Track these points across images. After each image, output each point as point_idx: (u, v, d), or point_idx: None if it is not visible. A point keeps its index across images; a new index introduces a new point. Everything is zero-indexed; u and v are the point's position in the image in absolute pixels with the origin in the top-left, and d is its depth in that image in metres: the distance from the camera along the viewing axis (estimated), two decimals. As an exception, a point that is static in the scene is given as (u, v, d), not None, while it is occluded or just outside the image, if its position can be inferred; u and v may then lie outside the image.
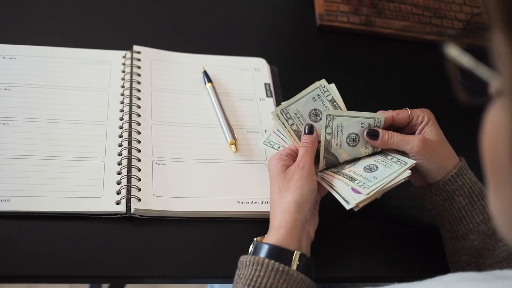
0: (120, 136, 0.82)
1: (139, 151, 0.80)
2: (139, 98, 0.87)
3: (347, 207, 0.70)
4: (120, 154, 0.80)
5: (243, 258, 0.67)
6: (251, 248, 0.68)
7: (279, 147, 0.80)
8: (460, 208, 0.74)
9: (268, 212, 0.72)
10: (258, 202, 0.79)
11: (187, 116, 0.88)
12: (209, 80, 0.92)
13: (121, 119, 0.84)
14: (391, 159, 0.74)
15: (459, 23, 1.19)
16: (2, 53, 0.89)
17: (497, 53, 0.37)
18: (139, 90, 0.88)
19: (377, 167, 0.73)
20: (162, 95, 0.90)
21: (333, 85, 0.79)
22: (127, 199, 0.75)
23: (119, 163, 0.79)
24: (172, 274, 0.72)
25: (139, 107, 0.86)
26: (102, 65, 0.91)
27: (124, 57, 0.93)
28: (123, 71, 0.91)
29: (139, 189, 0.76)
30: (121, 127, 0.83)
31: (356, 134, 0.75)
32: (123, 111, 0.85)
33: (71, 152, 0.79)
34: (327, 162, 0.75)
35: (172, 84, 0.92)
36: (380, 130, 0.75)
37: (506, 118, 0.37)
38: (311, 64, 1.06)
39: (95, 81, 0.89)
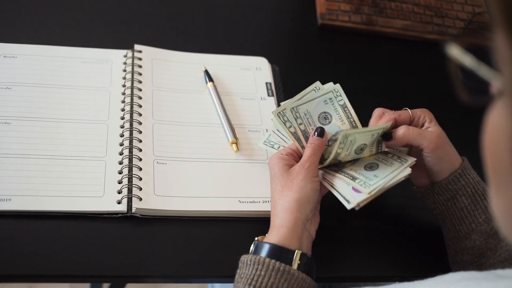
0: (121, 135, 0.82)
1: (140, 150, 0.80)
2: (140, 97, 0.87)
3: (348, 206, 0.70)
4: (121, 153, 0.80)
5: (244, 258, 0.67)
6: (252, 247, 0.68)
7: (279, 147, 0.80)
8: (462, 207, 0.74)
9: (269, 211, 0.72)
10: (259, 202, 0.79)
11: (188, 115, 0.88)
12: (210, 79, 0.92)
13: (122, 118, 0.84)
14: (392, 156, 0.74)
15: (460, 22, 1.19)
16: (3, 52, 0.89)
17: (498, 53, 0.37)
18: (140, 89, 0.88)
19: (377, 165, 0.73)
20: (163, 94, 0.90)
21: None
22: (128, 198, 0.75)
23: (120, 162, 0.79)
24: (173, 273, 0.72)
25: (140, 106, 0.86)
26: (103, 64, 0.91)
27: (125, 56, 0.93)
28: (124, 70, 0.91)
29: (140, 189, 0.76)
30: (122, 126, 0.83)
31: (365, 144, 0.74)
32: (124, 110, 0.85)
33: (72, 151, 0.79)
34: (329, 164, 0.75)
35: (173, 83, 0.92)
36: (393, 131, 0.74)
37: (507, 119, 0.37)
38: (312, 63, 1.06)
39: (96, 80, 0.89)
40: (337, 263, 0.78)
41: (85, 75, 0.89)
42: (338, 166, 0.76)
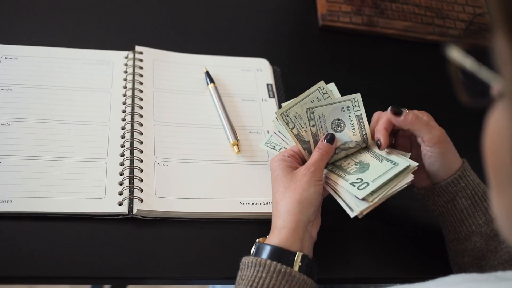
0: (122, 137, 0.82)
1: (141, 152, 0.80)
2: (141, 99, 0.87)
3: (352, 215, 0.70)
4: (122, 155, 0.80)
5: (245, 259, 0.67)
6: (253, 249, 0.68)
7: (280, 149, 0.79)
8: (462, 209, 0.73)
9: (270, 213, 0.72)
10: (260, 203, 0.79)
11: (189, 117, 0.88)
12: (211, 81, 0.92)
13: (123, 119, 0.84)
14: (394, 160, 0.73)
15: (461, 23, 1.19)
16: (4, 53, 0.89)
17: (499, 55, 0.37)
18: (141, 91, 0.88)
19: (379, 169, 0.72)
20: (164, 96, 0.90)
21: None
22: (129, 200, 0.75)
23: (121, 164, 0.79)
24: (174, 275, 0.72)
25: (141, 107, 0.86)
26: (104, 66, 0.91)
27: (126, 57, 0.93)
28: (125, 72, 0.91)
29: (142, 190, 0.76)
30: (123, 128, 0.83)
31: (340, 120, 0.74)
32: (125, 111, 0.85)
33: (73, 153, 0.79)
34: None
35: (174, 84, 0.92)
36: (405, 110, 0.73)
37: (508, 120, 0.37)
38: (313, 65, 1.06)
39: (97, 81, 0.89)
40: (338, 264, 0.78)
41: (86, 76, 0.89)
42: (339, 168, 0.75)
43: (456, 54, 0.41)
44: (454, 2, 1.22)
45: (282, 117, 0.76)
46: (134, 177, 0.77)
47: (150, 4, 1.07)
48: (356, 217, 0.70)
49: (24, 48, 0.90)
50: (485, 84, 0.39)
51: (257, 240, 0.69)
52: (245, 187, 0.81)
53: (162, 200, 0.76)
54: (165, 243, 0.74)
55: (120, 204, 0.74)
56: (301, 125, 0.76)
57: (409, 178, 0.71)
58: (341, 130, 0.76)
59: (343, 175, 0.73)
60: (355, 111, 0.76)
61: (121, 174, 0.78)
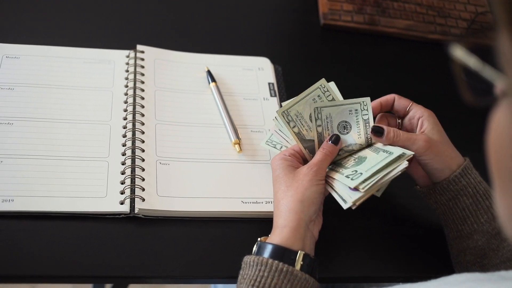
0: (124, 136, 0.82)
1: (143, 151, 0.80)
2: (142, 98, 0.87)
3: (345, 206, 0.69)
4: (124, 154, 0.80)
5: (246, 258, 0.67)
6: (254, 248, 0.68)
7: (281, 147, 0.79)
8: (464, 208, 0.73)
9: (272, 212, 0.72)
10: (262, 202, 0.79)
11: (190, 116, 0.88)
12: (213, 80, 0.92)
13: (125, 118, 0.84)
14: (388, 151, 0.72)
15: (463, 22, 1.19)
16: (5, 52, 0.89)
17: (502, 54, 0.37)
18: (142, 90, 0.88)
19: (372, 158, 0.71)
20: (165, 95, 0.90)
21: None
22: (131, 199, 0.75)
23: (123, 163, 0.79)
24: (176, 274, 0.72)
25: (142, 106, 0.86)
26: (105, 65, 0.91)
27: (127, 56, 0.93)
28: (127, 71, 0.91)
29: (143, 189, 0.76)
30: (124, 127, 0.83)
31: (347, 122, 0.74)
32: (126, 110, 0.85)
33: (75, 152, 0.79)
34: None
35: (175, 83, 0.92)
36: (385, 127, 0.74)
37: (511, 119, 0.37)
38: (315, 63, 1.06)
39: (98, 80, 0.89)
40: (340, 263, 0.77)
41: (87, 75, 0.89)
42: (338, 164, 0.75)
43: (459, 53, 0.41)
44: (456, 1, 1.22)
45: (283, 116, 0.75)
46: (136, 176, 0.77)
47: (151, 3, 1.07)
48: (356, 210, 0.69)
49: (26, 47, 0.90)
50: (489, 83, 0.39)
51: (258, 239, 0.69)
52: (246, 186, 0.81)
53: (164, 199, 0.76)
54: (167, 242, 0.74)
55: (122, 203, 0.74)
56: (302, 124, 0.76)
57: (403, 165, 0.70)
58: (347, 133, 0.76)
59: (340, 170, 0.73)
60: (363, 115, 0.76)
61: (123, 173, 0.78)
